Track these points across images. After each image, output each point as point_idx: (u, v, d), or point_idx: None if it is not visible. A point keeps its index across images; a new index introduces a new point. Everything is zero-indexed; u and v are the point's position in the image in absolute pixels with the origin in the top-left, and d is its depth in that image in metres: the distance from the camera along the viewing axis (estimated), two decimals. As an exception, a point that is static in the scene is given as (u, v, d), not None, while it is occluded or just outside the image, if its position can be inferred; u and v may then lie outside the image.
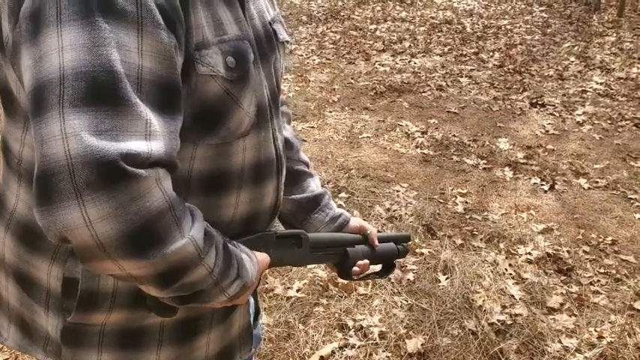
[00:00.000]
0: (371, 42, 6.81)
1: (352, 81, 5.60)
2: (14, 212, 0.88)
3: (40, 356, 0.93)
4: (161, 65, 0.70)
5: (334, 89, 5.39)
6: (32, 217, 0.84)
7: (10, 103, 0.81)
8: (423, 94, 5.29)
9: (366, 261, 1.14)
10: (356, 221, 1.20)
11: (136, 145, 0.65)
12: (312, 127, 4.56)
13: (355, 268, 1.13)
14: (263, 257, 0.93)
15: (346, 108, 4.95)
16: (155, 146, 0.67)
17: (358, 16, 8.06)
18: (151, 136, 0.66)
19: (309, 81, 5.59)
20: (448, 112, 4.90)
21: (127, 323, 0.89)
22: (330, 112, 4.86)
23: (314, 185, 1.21)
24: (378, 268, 1.25)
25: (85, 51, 0.64)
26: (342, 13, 8.17)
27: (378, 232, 1.22)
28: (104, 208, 0.63)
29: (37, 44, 0.67)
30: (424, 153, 4.10)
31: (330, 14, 8.14)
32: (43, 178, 0.64)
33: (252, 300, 1.17)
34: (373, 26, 7.45)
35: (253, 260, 0.88)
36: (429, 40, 6.86)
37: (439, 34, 7.15)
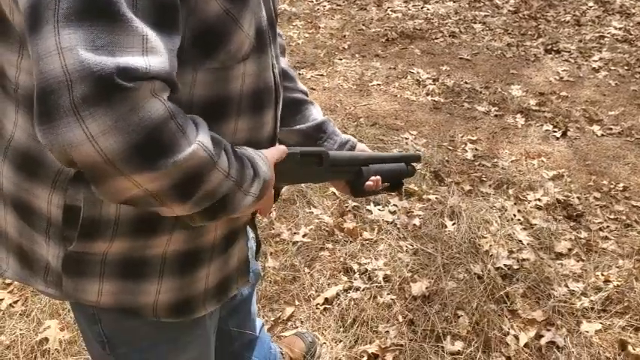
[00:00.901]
0: (383, -12, 6.65)
1: (363, 27, 5.49)
2: (12, 140, 0.85)
3: (41, 287, 0.93)
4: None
5: (344, 36, 5.29)
6: (31, 144, 0.83)
7: (3, 26, 0.78)
8: (436, 40, 5.18)
9: (378, 177, 1.18)
10: (362, 147, 1.26)
11: (133, 60, 0.64)
12: (322, 74, 4.49)
13: (368, 183, 1.17)
14: (271, 151, 0.93)
15: (356, 55, 4.86)
16: (153, 61, 0.65)
17: (370, -39, 7.85)
18: (148, 51, 0.65)
19: (319, 27, 5.48)
20: (460, 58, 4.79)
21: (129, 252, 0.88)
22: (340, 59, 4.78)
23: (316, 113, 1.24)
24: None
25: None
26: (354, -41, 7.96)
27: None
28: (104, 121, 0.63)
29: None
30: (435, 100, 4.04)
31: (342, -40, 7.93)
32: (43, 95, 0.63)
33: (251, 233, 1.17)
34: (386, -28, 7.26)
35: (262, 157, 0.88)
36: (442, -14, 6.68)
37: (453, -21, 6.96)
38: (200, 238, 0.93)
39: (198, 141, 0.71)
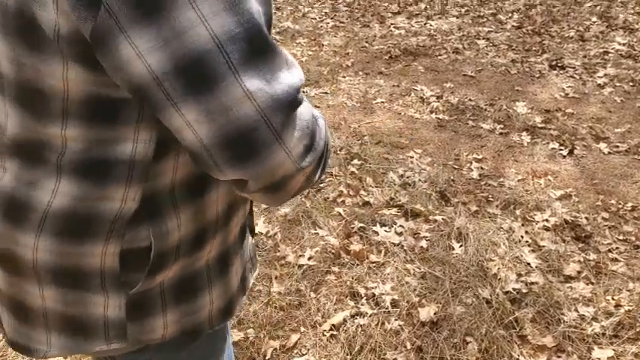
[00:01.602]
0: (386, 4, 6.65)
1: (366, 45, 5.49)
2: (49, 209, 0.81)
3: (102, 347, 0.89)
4: (266, 4, 0.75)
5: (348, 53, 5.29)
6: (77, 205, 0.80)
7: (41, 103, 0.75)
8: (439, 57, 5.17)
9: None
10: None
11: (291, 77, 0.71)
12: (325, 92, 4.48)
13: None
14: None
15: (360, 73, 4.85)
16: (298, 72, 0.73)
17: (373, -23, 7.87)
18: (290, 65, 0.72)
19: (323, 45, 5.48)
20: (464, 75, 4.78)
21: (182, 272, 0.90)
22: (344, 77, 4.77)
23: None
24: None
25: (229, 14, 0.65)
26: (356, -25, 7.98)
27: None
28: (296, 135, 0.72)
29: (163, 23, 0.63)
30: (439, 118, 4.02)
31: (345, -24, 7.96)
32: (241, 138, 0.69)
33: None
34: (388, -12, 7.28)
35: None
36: (445, 2, 6.68)
37: (456, -5, 6.98)
38: (229, 236, 0.96)
39: (316, 115, 0.79)
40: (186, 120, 0.68)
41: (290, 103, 0.70)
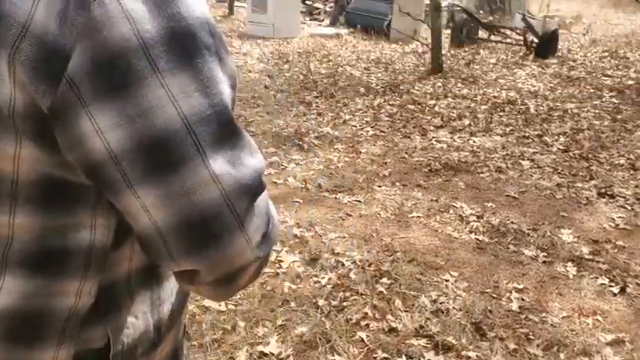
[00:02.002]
0: (429, 117, 6.60)
1: (406, 156, 5.36)
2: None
3: None
4: (233, 89, 0.71)
5: (386, 163, 5.15)
6: (25, 304, 0.71)
7: None
8: (481, 174, 4.98)
9: None
10: None
11: (255, 162, 0.69)
12: (359, 201, 4.30)
13: None
14: None
15: (397, 183, 4.68)
16: (261, 158, 0.71)
17: (418, 90, 7.90)
18: (253, 151, 0.70)
19: (360, 152, 5.38)
20: (507, 196, 4.56)
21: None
22: (380, 186, 4.61)
23: None
24: None
25: (200, 95, 0.63)
26: (401, 87, 8.03)
27: None
28: (257, 222, 0.69)
29: (129, 100, 0.61)
30: (478, 239, 3.77)
31: (389, 87, 8.01)
32: (202, 223, 0.65)
33: None
34: (432, 102, 7.26)
35: None
36: (489, 119, 6.59)
37: (501, 113, 6.88)
38: (179, 332, 0.91)
39: (269, 201, 0.76)
40: (143, 203, 0.64)
41: (255, 188, 0.68)
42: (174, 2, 0.63)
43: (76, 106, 0.60)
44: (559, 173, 5.09)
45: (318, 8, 15.89)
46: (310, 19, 15.05)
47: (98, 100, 0.60)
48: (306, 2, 16.08)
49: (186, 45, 0.63)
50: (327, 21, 14.56)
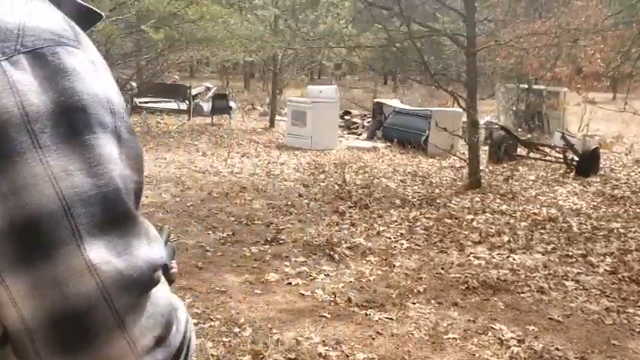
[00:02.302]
0: (466, 232, 6.37)
1: (442, 271, 5.11)
2: None
3: None
4: (137, 172, 0.67)
5: (421, 278, 4.91)
6: None
7: None
8: (522, 294, 4.67)
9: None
10: None
11: (150, 252, 0.63)
12: (391, 318, 4.04)
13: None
14: None
15: (432, 301, 4.41)
16: (159, 249, 0.66)
17: (455, 204, 7.73)
18: (152, 240, 0.65)
19: (394, 266, 5.15)
20: (550, 319, 4.23)
21: None
22: (414, 303, 4.34)
23: None
24: None
25: (85, 174, 0.59)
26: (438, 201, 7.88)
27: None
28: (147, 322, 0.62)
29: (3, 176, 0.57)
30: (520, 367, 3.43)
31: (426, 200, 7.87)
32: (73, 319, 0.58)
33: None
34: (470, 216, 7.06)
35: None
36: (530, 237, 6.32)
37: (542, 230, 6.61)
38: None
39: (175, 304, 0.70)
40: (11, 294, 0.58)
41: (142, 282, 0.61)
42: (68, 77, 0.60)
43: None
44: (607, 296, 4.74)
45: (356, 122, 16.21)
46: (348, 133, 15.32)
47: None
48: (345, 117, 16.47)
49: (75, 121, 0.60)
50: (364, 135, 14.79)
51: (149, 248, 0.64)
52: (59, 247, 0.58)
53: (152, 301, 0.63)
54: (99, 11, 0.76)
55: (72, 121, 0.60)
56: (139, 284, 0.61)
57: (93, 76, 0.63)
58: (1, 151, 0.57)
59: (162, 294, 0.66)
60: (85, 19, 0.73)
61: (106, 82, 0.65)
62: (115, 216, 0.61)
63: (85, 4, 0.74)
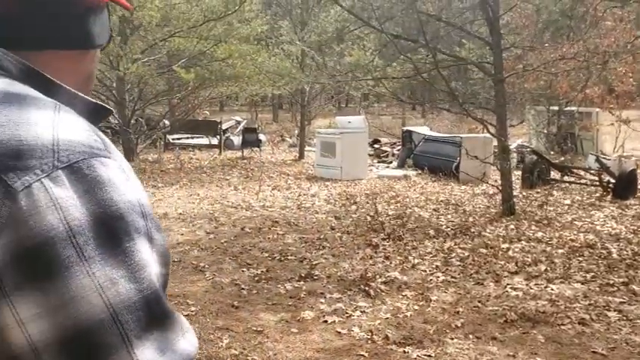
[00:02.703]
0: (502, 262, 6.29)
1: (479, 304, 5.04)
2: None
3: None
4: (165, 266, 0.71)
5: (458, 312, 4.85)
6: None
7: None
8: (562, 327, 4.57)
9: None
10: None
11: (188, 346, 0.67)
12: (429, 355, 3.99)
13: None
14: None
15: (470, 336, 4.35)
16: (193, 339, 0.69)
17: (490, 233, 7.64)
18: (185, 332, 0.68)
19: (431, 300, 5.10)
20: (594, 352, 4.13)
21: None
22: (452, 339, 4.29)
23: None
24: None
25: (128, 280, 0.63)
26: (472, 230, 7.81)
27: None
28: None
29: (52, 290, 0.60)
30: (565, 405, 3.35)
31: (460, 230, 7.80)
32: None
33: None
34: (505, 245, 6.97)
35: None
36: (568, 265, 6.20)
37: (580, 258, 6.49)
38: None
39: None
40: None
41: None
42: (104, 187, 0.63)
43: None
44: (652, 327, 4.62)
45: (386, 151, 16.23)
46: (378, 162, 15.33)
47: (19, 290, 0.59)
48: (374, 145, 16.50)
49: (115, 230, 0.63)
50: (394, 163, 14.78)
51: (184, 340, 0.67)
52: (112, 354, 0.61)
53: None
54: (108, 107, 0.80)
55: (112, 230, 0.63)
56: None
57: (125, 183, 0.66)
58: (49, 266, 0.60)
59: None
60: (96, 115, 0.76)
61: (136, 185, 0.68)
62: (156, 316, 0.65)
63: (94, 100, 0.77)
